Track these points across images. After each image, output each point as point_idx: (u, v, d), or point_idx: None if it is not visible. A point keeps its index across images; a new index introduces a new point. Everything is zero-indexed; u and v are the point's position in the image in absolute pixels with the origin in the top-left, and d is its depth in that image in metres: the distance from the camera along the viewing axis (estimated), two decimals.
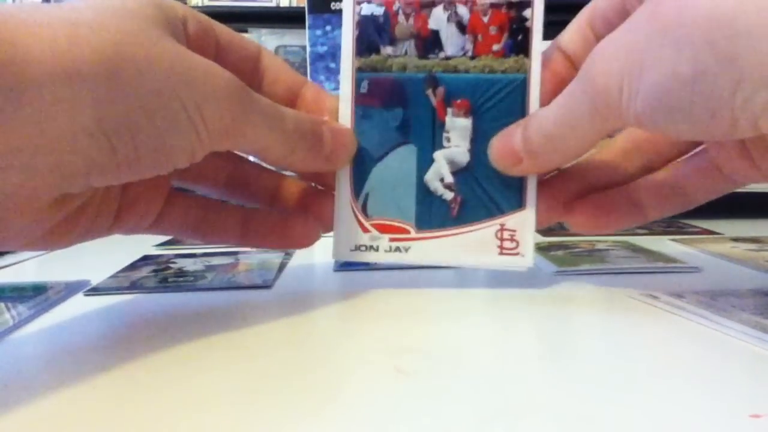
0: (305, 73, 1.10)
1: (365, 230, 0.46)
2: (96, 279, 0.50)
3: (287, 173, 0.47)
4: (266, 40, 1.21)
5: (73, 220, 0.37)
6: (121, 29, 0.33)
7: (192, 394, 0.30)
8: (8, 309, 0.42)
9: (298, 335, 0.39)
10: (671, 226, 0.74)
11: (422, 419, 0.27)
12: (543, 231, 0.71)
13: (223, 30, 0.42)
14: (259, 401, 0.29)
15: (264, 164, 0.46)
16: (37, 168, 0.31)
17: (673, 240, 0.66)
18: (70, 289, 0.48)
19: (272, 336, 0.38)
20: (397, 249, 0.46)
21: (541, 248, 0.60)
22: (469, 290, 0.46)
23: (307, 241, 0.46)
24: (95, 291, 0.48)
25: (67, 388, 0.31)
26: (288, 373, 0.32)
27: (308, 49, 0.98)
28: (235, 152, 0.41)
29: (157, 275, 0.52)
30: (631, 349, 0.36)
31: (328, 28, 0.96)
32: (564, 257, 0.56)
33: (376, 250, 0.46)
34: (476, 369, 0.33)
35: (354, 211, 0.46)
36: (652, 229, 0.72)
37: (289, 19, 1.21)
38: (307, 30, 0.97)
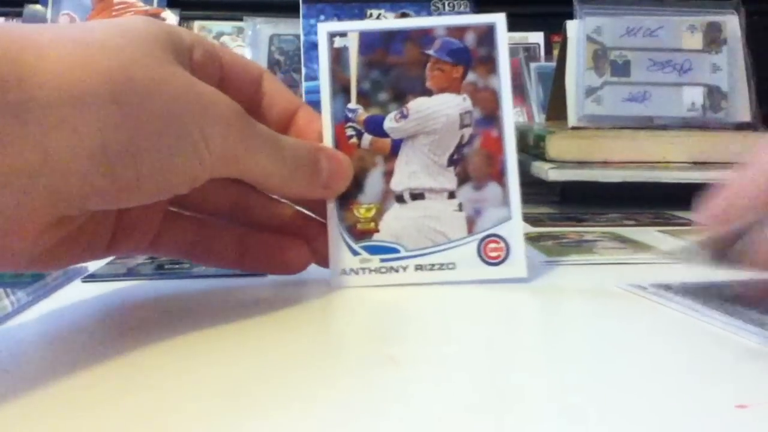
0: (299, 62, 1.11)
1: None
2: (93, 266, 0.50)
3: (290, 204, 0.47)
4: (261, 28, 1.21)
5: (69, 242, 0.36)
6: (131, 52, 0.33)
7: (187, 381, 0.30)
8: (7, 295, 0.42)
9: (291, 323, 0.39)
10: (658, 217, 0.74)
11: (414, 408, 0.27)
12: (532, 221, 0.71)
13: (227, 54, 0.42)
14: (251, 388, 0.30)
15: (269, 194, 0.46)
16: (35, 190, 0.30)
17: (661, 231, 0.66)
18: (68, 275, 0.48)
19: (265, 324, 0.39)
20: None
21: (530, 238, 0.60)
22: (459, 282, 0.46)
23: (301, 266, 0.45)
24: (92, 277, 0.48)
25: (65, 374, 0.31)
26: (281, 361, 0.33)
27: (302, 38, 0.98)
28: (240, 181, 0.41)
29: (153, 262, 0.52)
30: (617, 339, 0.36)
31: (322, 17, 0.96)
32: (553, 247, 0.57)
33: None
34: (467, 358, 0.33)
35: None
36: (639, 221, 0.72)
37: (284, 8, 1.21)
38: (301, 19, 0.98)
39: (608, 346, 0.35)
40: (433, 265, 0.45)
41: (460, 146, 0.46)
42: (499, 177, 0.46)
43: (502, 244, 0.45)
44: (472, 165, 0.46)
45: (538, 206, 0.83)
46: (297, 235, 0.46)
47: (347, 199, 0.46)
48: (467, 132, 0.46)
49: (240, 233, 0.45)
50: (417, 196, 0.46)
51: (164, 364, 0.32)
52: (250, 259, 0.45)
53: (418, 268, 0.45)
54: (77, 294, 0.45)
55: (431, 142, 0.46)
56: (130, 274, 0.49)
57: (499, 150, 0.46)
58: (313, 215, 0.47)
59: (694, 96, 0.87)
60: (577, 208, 0.81)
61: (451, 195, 0.46)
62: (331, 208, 0.46)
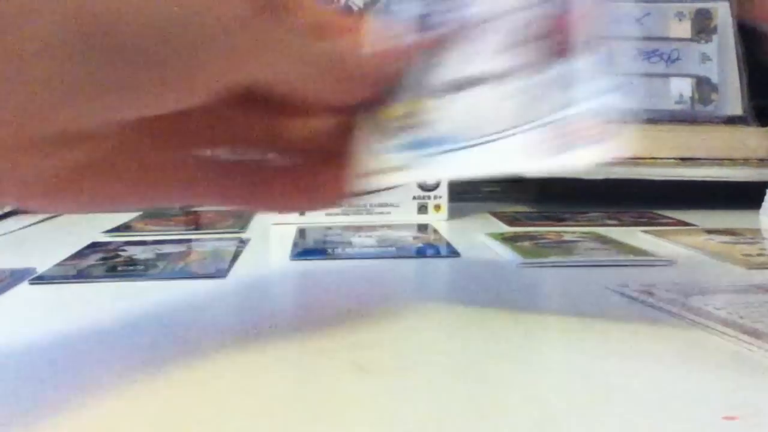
0: None
1: None
2: (42, 267, 0.50)
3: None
4: None
5: (85, 174, 0.32)
6: None
7: (136, 389, 0.30)
8: None
9: (252, 329, 0.39)
10: (643, 216, 0.75)
11: (382, 416, 0.27)
12: (508, 221, 0.71)
13: None
14: (212, 397, 0.29)
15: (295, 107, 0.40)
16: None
17: (645, 231, 0.66)
18: (15, 277, 0.48)
19: (225, 330, 0.39)
20: None
21: (506, 239, 0.60)
22: (431, 283, 0.46)
23: (340, 192, 0.41)
24: (41, 279, 0.48)
25: (7, 380, 0.31)
26: (241, 369, 0.33)
27: None
28: (268, 106, 0.38)
29: (105, 263, 0.52)
30: (600, 345, 0.36)
31: None
32: (530, 248, 0.57)
33: None
34: (438, 366, 0.33)
35: None
36: (622, 220, 0.72)
37: None
38: None
39: (590, 352, 0.35)
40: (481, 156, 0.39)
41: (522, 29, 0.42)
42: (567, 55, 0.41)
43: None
44: (534, 47, 0.42)
45: (514, 204, 0.84)
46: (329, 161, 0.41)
47: (384, 97, 0.42)
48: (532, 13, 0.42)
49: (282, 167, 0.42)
50: (466, 84, 0.43)
51: (112, 371, 0.32)
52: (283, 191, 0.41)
53: (465, 158, 0.39)
54: (24, 297, 0.45)
55: (487, 30, 0.43)
56: (81, 276, 0.49)
57: (567, 30, 0.41)
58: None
59: (682, 88, 0.87)
60: (556, 206, 0.81)
61: (507, 81, 0.42)
62: (364, 109, 0.42)
